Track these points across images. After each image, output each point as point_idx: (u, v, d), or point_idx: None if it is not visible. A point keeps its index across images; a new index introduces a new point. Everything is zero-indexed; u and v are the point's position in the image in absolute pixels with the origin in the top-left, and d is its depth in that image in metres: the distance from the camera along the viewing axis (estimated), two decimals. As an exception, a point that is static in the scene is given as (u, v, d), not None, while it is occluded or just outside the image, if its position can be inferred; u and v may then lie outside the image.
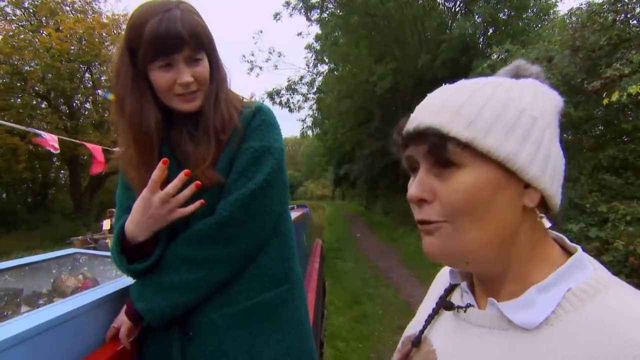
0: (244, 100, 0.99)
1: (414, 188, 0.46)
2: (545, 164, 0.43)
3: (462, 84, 0.46)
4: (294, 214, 3.77)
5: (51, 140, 4.68)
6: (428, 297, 0.64)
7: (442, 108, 0.44)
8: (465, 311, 0.50)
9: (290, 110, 16.52)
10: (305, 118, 18.30)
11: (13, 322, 0.71)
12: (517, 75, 0.50)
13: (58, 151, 4.84)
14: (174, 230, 0.90)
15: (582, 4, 5.05)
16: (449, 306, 0.52)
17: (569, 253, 0.47)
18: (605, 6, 4.52)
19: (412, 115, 0.47)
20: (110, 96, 0.87)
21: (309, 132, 19.73)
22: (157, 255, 0.86)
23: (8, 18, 16.45)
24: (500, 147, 0.42)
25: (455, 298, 0.55)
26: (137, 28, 0.83)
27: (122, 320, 0.86)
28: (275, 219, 0.95)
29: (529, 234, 0.45)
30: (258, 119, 0.93)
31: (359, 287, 5.87)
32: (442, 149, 0.43)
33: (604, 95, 3.63)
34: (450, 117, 0.43)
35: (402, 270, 6.80)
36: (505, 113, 0.42)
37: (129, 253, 0.86)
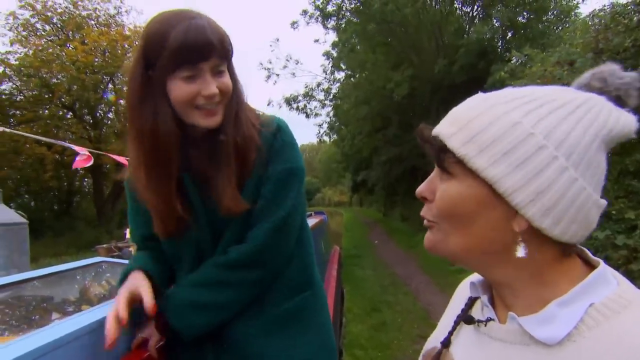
0: (260, 115, 0.95)
1: (421, 186, 0.50)
2: (539, 194, 0.41)
3: (492, 96, 0.46)
4: (311, 221, 3.78)
5: (87, 160, 4.79)
6: (449, 310, 0.64)
7: (456, 119, 0.46)
8: (485, 325, 0.50)
9: (307, 116, 16.61)
10: (323, 124, 18.36)
11: (46, 329, 0.74)
12: (587, 87, 0.47)
13: (91, 162, 4.91)
14: (200, 252, 0.92)
15: (605, 5, 4.94)
16: (470, 320, 0.52)
17: (591, 267, 0.46)
18: (630, 7, 4.40)
19: (442, 119, 0.50)
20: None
21: (326, 138, 19.77)
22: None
23: (38, 33, 17.17)
24: (489, 168, 0.42)
25: (476, 311, 0.55)
26: (158, 36, 0.78)
27: (151, 332, 0.88)
28: (297, 233, 0.98)
29: (535, 253, 0.44)
30: (280, 140, 0.91)
31: (378, 294, 5.82)
32: (441, 159, 0.46)
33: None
34: (455, 130, 0.45)
35: (421, 277, 6.71)
36: (508, 136, 0.42)
37: None
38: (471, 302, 0.57)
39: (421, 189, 0.50)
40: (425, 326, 4.33)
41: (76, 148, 4.87)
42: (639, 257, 3.07)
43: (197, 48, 0.78)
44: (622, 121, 0.43)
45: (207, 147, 0.86)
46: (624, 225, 3.34)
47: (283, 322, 0.94)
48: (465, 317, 0.54)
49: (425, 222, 0.50)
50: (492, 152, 0.42)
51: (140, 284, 0.82)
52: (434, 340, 0.60)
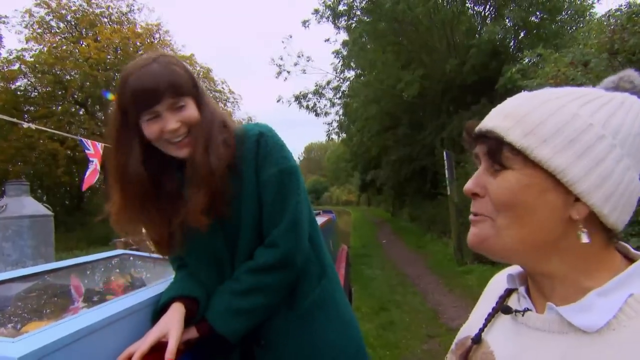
0: (239, 129, 1.01)
1: (469, 182, 0.50)
2: (601, 182, 0.43)
3: (541, 92, 0.48)
4: (320, 220, 3.80)
5: (93, 175, 4.93)
6: (482, 302, 0.65)
7: (509, 113, 0.47)
8: (523, 315, 0.51)
9: (317, 115, 16.60)
10: (332, 122, 18.32)
11: (74, 318, 0.77)
12: (617, 87, 0.49)
13: (97, 175, 5.08)
14: (218, 260, 1.00)
15: (622, 5, 4.87)
16: (507, 310, 0.54)
17: (631, 261, 0.48)
18: (646, 7, 4.34)
19: (486, 117, 0.51)
20: (110, 96, 0.93)
21: (335, 137, 19.75)
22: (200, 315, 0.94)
23: (53, 31, 17.42)
24: (553, 158, 0.44)
25: (512, 302, 0.56)
26: (122, 85, 0.89)
27: (188, 330, 0.93)
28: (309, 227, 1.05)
29: (582, 245, 0.45)
30: (264, 145, 0.97)
31: (386, 294, 5.81)
32: (498, 152, 0.47)
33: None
34: (512, 123, 0.46)
35: (429, 278, 6.69)
36: (569, 127, 0.44)
37: None
38: (507, 293, 0.58)
39: (471, 185, 0.50)
40: (433, 326, 4.33)
41: (90, 143, 4.97)
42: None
43: (146, 95, 0.87)
44: None
45: (190, 171, 0.94)
46: (638, 228, 3.30)
47: (311, 313, 1.03)
48: (502, 307, 0.55)
49: (472, 217, 0.51)
50: (555, 143, 0.44)
51: (171, 326, 0.86)
52: (466, 330, 0.62)
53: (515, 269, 0.57)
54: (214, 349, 0.97)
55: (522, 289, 0.54)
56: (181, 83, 0.90)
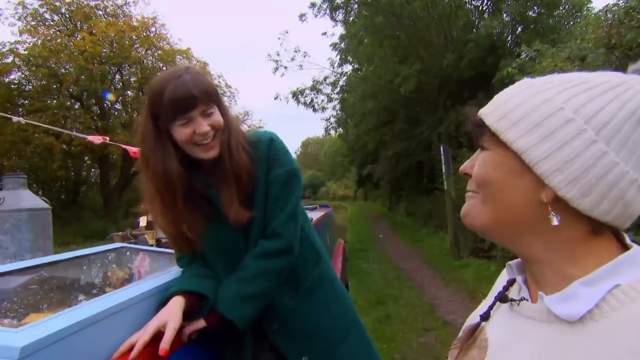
0: (253, 134, 1.14)
1: (465, 163, 0.54)
2: (564, 164, 0.43)
3: (527, 81, 0.50)
4: (317, 214, 3.81)
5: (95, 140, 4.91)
6: (492, 291, 0.66)
7: (496, 100, 0.50)
8: (518, 304, 0.52)
9: (314, 110, 16.56)
10: (330, 118, 18.29)
11: (76, 309, 0.78)
12: (638, 71, 0.47)
13: (100, 141, 5.03)
14: (234, 253, 1.10)
15: (618, 0, 4.87)
16: (504, 298, 0.55)
17: (626, 249, 0.47)
18: (643, 2, 4.34)
19: None
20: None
21: (332, 132, 19.74)
22: (205, 312, 1.01)
23: (47, 23, 17.24)
24: (519, 140, 0.45)
25: (514, 292, 0.57)
26: (158, 96, 1.00)
27: (196, 321, 0.99)
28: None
29: (563, 227, 0.45)
30: (274, 150, 1.11)
31: (382, 288, 5.85)
32: (480, 135, 0.51)
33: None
34: (493, 109, 0.50)
35: (425, 272, 6.73)
36: (538, 110, 0.45)
37: None
38: (509, 283, 0.59)
39: (464, 165, 0.54)
40: (429, 319, 4.36)
41: (90, 138, 4.95)
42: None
43: (184, 102, 0.98)
44: None
45: (214, 172, 1.06)
46: (633, 223, 3.34)
47: (313, 291, 1.17)
48: (500, 296, 0.56)
49: (466, 194, 0.54)
50: (522, 126, 0.45)
51: (169, 317, 0.91)
52: (473, 317, 0.63)
53: (515, 260, 0.57)
54: (225, 338, 1.04)
55: (519, 278, 0.55)
56: (212, 92, 1.02)
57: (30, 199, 5.26)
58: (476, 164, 0.52)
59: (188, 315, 0.95)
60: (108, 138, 4.95)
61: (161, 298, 0.98)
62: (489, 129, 0.49)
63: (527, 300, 0.51)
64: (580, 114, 0.43)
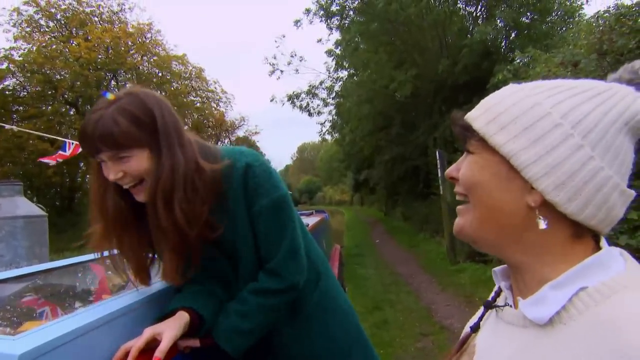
0: (221, 162, 0.97)
1: (450, 167, 0.54)
2: (552, 169, 0.43)
3: (514, 85, 0.50)
4: (313, 220, 3.81)
5: (59, 157, 4.96)
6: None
7: (483, 104, 0.50)
8: (502, 310, 0.53)
9: (310, 115, 16.61)
10: (325, 122, 18.34)
11: (73, 317, 0.77)
12: (620, 79, 0.49)
13: (54, 162, 5.11)
14: (224, 278, 1.04)
15: (610, 7, 4.94)
16: (489, 305, 0.56)
17: None
18: (635, 8, 4.41)
19: None
20: (110, 95, 0.88)
21: (327, 137, 19.78)
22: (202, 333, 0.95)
23: (42, 30, 17.21)
24: (507, 144, 0.46)
25: (502, 299, 0.58)
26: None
27: (191, 339, 0.95)
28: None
29: (543, 231, 0.45)
30: (252, 177, 0.96)
31: (380, 293, 5.85)
32: (467, 139, 0.51)
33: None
34: (480, 112, 0.49)
35: (422, 277, 6.73)
36: (527, 115, 0.45)
37: None
38: (499, 290, 0.59)
39: (450, 169, 0.54)
40: (427, 324, 4.36)
41: (74, 145, 4.96)
42: (641, 258, 3.08)
43: (85, 144, 0.88)
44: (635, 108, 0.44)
45: (151, 224, 0.93)
46: (627, 226, 3.36)
47: (313, 315, 1.10)
48: (486, 303, 0.57)
49: (457, 197, 0.54)
50: (510, 130, 0.46)
51: (167, 328, 0.87)
52: (468, 325, 0.64)
53: (500, 266, 0.58)
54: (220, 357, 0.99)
55: (502, 285, 0.55)
56: (118, 136, 0.85)
57: (26, 206, 5.24)
58: (463, 167, 0.52)
59: (187, 332, 0.92)
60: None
61: (161, 308, 0.96)
62: (477, 132, 0.49)
63: (510, 306, 0.52)
64: (567, 119, 0.44)
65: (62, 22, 17.71)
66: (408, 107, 13.01)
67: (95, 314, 0.79)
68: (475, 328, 0.58)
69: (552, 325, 0.44)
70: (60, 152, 5.04)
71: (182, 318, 0.90)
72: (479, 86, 9.51)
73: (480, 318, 0.59)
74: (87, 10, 17.84)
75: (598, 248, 0.48)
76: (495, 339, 0.52)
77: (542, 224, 0.45)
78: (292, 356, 1.07)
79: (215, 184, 0.94)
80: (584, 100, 0.45)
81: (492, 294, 0.60)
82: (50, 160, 5.02)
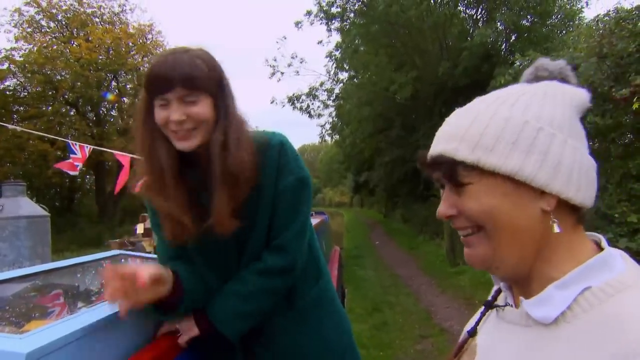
0: (262, 136, 1.01)
1: (441, 207, 0.52)
2: (555, 170, 0.45)
3: (471, 106, 0.51)
4: (312, 221, 3.78)
5: (75, 161, 4.92)
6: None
7: (451, 135, 0.49)
8: (503, 310, 0.53)
9: (310, 116, 16.61)
10: (325, 124, 18.35)
11: (77, 316, 0.78)
12: (536, 78, 0.53)
13: (77, 172, 5.08)
14: (226, 260, 1.02)
15: (610, 10, 4.96)
16: (490, 304, 0.57)
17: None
18: (634, 12, 4.42)
19: (432, 144, 0.53)
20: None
21: (327, 138, 19.80)
22: (181, 311, 0.93)
23: (43, 30, 17.23)
24: (504, 163, 0.46)
25: (501, 299, 0.59)
26: (148, 69, 0.92)
27: (190, 329, 0.95)
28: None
29: (552, 235, 0.47)
30: (284, 155, 1.00)
31: (379, 294, 5.85)
32: (454, 173, 0.49)
33: (634, 100, 3.56)
34: (457, 143, 0.48)
35: (422, 279, 6.74)
36: (507, 130, 0.46)
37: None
38: (499, 290, 0.60)
39: (443, 209, 0.52)
40: (426, 326, 4.36)
41: (78, 146, 4.96)
42: (640, 261, 3.09)
43: (159, 80, 0.89)
44: (579, 92, 0.51)
45: (202, 170, 0.95)
46: (627, 229, 3.37)
47: (310, 311, 1.09)
48: (487, 303, 0.58)
49: (464, 238, 0.51)
50: (499, 149, 0.46)
51: (151, 267, 0.84)
52: (470, 323, 0.64)
53: None
54: (215, 347, 0.99)
55: (502, 285, 0.56)
56: (196, 77, 0.89)
57: (29, 207, 5.26)
58: (465, 200, 0.49)
59: (164, 304, 0.88)
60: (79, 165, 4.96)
61: None
62: (463, 164, 0.48)
63: (510, 305, 0.53)
64: (543, 121, 0.46)
65: (63, 22, 17.72)
66: (408, 109, 13.03)
67: (100, 313, 0.80)
68: (473, 332, 0.59)
69: (557, 324, 0.44)
70: (72, 155, 5.01)
71: (165, 269, 0.88)
72: (479, 89, 9.46)
73: (479, 319, 0.60)
74: (88, 11, 17.86)
75: (599, 249, 0.49)
76: (497, 338, 0.52)
77: (557, 228, 0.46)
78: (282, 348, 1.05)
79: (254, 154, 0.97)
80: (542, 101, 0.48)
81: (492, 293, 0.61)
82: (70, 170, 4.96)
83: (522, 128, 0.46)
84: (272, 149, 0.99)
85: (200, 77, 0.90)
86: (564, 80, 0.52)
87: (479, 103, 0.50)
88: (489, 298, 0.60)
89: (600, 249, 0.50)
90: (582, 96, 0.50)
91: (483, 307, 0.60)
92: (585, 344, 0.41)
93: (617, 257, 0.47)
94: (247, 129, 0.99)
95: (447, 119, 0.52)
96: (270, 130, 1.06)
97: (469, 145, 0.47)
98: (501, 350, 0.50)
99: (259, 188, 0.97)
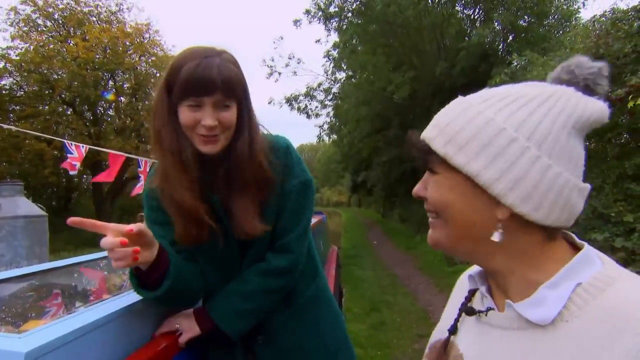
0: (269, 138, 1.03)
1: (417, 186, 0.55)
2: (516, 183, 0.44)
3: (467, 99, 0.51)
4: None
5: (73, 160, 4.90)
6: (450, 304, 0.67)
7: (437, 123, 0.51)
8: (486, 315, 0.52)
9: (308, 117, 16.61)
10: (323, 124, 18.36)
11: (77, 315, 0.78)
12: (558, 79, 0.50)
13: (76, 171, 5.06)
14: (227, 263, 1.03)
15: (606, 11, 4.98)
16: (471, 311, 0.55)
17: (577, 250, 0.49)
18: (630, 13, 4.45)
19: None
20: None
21: (325, 138, 19.80)
22: (165, 288, 0.87)
23: (39, 29, 17.14)
24: (469, 164, 0.46)
25: (476, 303, 0.58)
26: (176, 68, 0.89)
27: (191, 328, 0.96)
28: None
29: (521, 238, 0.48)
30: (290, 158, 1.02)
31: (377, 294, 5.86)
32: (427, 159, 0.51)
33: (629, 100, 3.58)
34: (437, 133, 0.50)
35: (419, 278, 6.75)
36: (483, 133, 0.46)
37: (141, 278, 0.88)
38: (471, 294, 0.60)
39: (416, 189, 0.55)
40: (424, 326, 4.37)
41: (74, 145, 4.94)
42: (637, 259, 3.12)
43: (201, 83, 0.87)
44: (591, 107, 0.46)
45: (224, 174, 0.96)
46: (623, 228, 3.39)
47: (308, 308, 1.11)
48: (466, 309, 0.56)
49: (429, 215, 0.54)
50: (469, 149, 0.46)
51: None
52: (438, 333, 0.63)
53: (475, 269, 0.58)
54: (215, 344, 1.00)
55: (482, 289, 0.55)
56: (236, 85, 0.91)
57: (26, 206, 5.25)
58: (429, 187, 0.52)
59: (146, 274, 0.85)
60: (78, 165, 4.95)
61: (165, 308, 0.97)
62: (436, 153, 0.49)
63: (493, 309, 0.52)
64: (521, 132, 0.45)
65: (60, 21, 17.63)
66: (406, 109, 13.05)
67: (99, 312, 0.80)
68: (453, 332, 0.58)
69: (554, 324, 0.44)
70: (69, 155, 4.99)
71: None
72: (476, 89, 9.46)
73: (457, 321, 0.59)
74: (85, 10, 17.76)
75: (570, 244, 0.51)
76: (486, 345, 0.51)
77: (497, 237, 0.47)
78: (281, 344, 1.07)
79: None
80: (533, 109, 0.46)
81: (463, 299, 0.60)
82: (70, 170, 4.94)
83: (497, 133, 0.45)
84: (279, 152, 1.01)
85: (237, 83, 0.91)
86: (587, 87, 0.48)
87: (473, 99, 0.50)
88: (462, 300, 0.60)
89: (572, 245, 0.51)
90: (590, 114, 0.46)
91: (457, 311, 0.59)
92: (591, 341, 0.41)
93: (594, 253, 0.48)
94: (261, 134, 1.01)
95: (443, 108, 0.53)
96: (279, 135, 1.08)
97: (444, 138, 0.48)
98: (495, 356, 0.49)
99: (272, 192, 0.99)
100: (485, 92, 0.50)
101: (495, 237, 0.47)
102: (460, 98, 0.52)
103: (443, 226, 0.51)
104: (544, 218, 0.45)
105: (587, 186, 0.47)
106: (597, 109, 0.46)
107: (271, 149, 1.00)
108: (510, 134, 0.45)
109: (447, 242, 0.52)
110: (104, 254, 1.45)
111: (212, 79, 0.87)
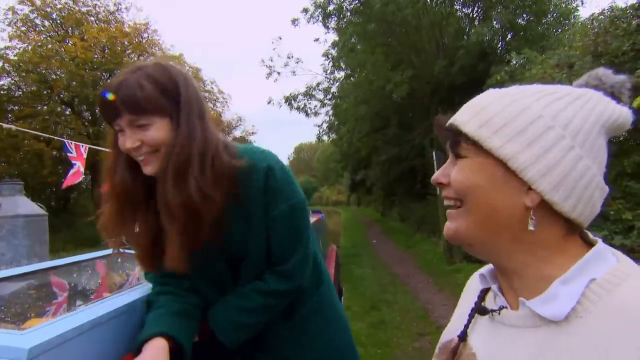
0: (243, 158, 0.92)
1: (436, 173, 0.54)
2: (548, 170, 0.45)
3: (498, 90, 0.51)
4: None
5: (77, 176, 4.88)
6: (461, 304, 0.66)
7: (470, 109, 0.51)
8: (499, 313, 0.52)
9: (307, 115, 16.61)
10: (322, 124, 18.36)
11: (77, 313, 0.78)
12: (586, 85, 0.51)
13: (82, 177, 5.04)
14: (220, 283, 1.00)
15: (604, 9, 4.99)
16: (483, 311, 0.55)
17: (591, 246, 0.49)
18: (629, 11, 4.46)
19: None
20: (110, 96, 0.84)
21: (325, 137, 19.79)
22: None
23: (37, 29, 17.11)
24: (503, 147, 0.46)
25: (489, 302, 0.58)
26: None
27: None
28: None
29: (543, 230, 0.47)
30: (273, 180, 0.93)
31: (377, 293, 5.86)
32: (457, 143, 0.51)
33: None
34: (470, 117, 0.49)
35: (419, 277, 6.76)
36: (519, 118, 0.46)
37: None
38: (483, 294, 0.59)
39: (436, 175, 0.54)
40: (424, 324, 4.38)
41: (74, 145, 4.94)
42: (635, 258, 3.12)
43: (103, 108, 0.84)
44: (619, 111, 0.48)
45: (159, 202, 0.88)
46: (622, 226, 3.40)
47: (310, 319, 1.07)
48: (478, 309, 0.56)
49: (446, 202, 0.53)
50: (505, 133, 0.46)
51: None
52: (449, 333, 0.62)
53: (486, 268, 0.58)
54: (215, 354, 0.98)
55: (494, 287, 0.55)
56: (141, 100, 0.82)
57: (26, 206, 5.27)
58: (455, 171, 0.51)
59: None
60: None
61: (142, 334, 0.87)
62: (466, 137, 0.49)
63: (506, 308, 0.52)
64: (557, 122, 0.46)
65: (58, 21, 17.59)
66: (405, 108, 13.06)
67: (100, 310, 0.80)
68: (463, 338, 0.57)
69: (568, 321, 0.44)
70: (68, 154, 4.98)
71: (163, 349, 0.81)
72: (475, 87, 9.51)
73: (468, 324, 0.58)
74: (83, 9, 17.74)
75: (584, 241, 0.50)
76: (500, 344, 0.51)
77: (531, 225, 0.47)
78: (281, 357, 1.04)
79: (230, 180, 0.89)
80: (568, 103, 0.47)
81: (475, 299, 0.59)
82: (77, 180, 4.94)
83: (533, 120, 0.46)
84: (257, 176, 0.92)
85: (147, 99, 0.82)
86: (613, 95, 0.50)
87: (507, 90, 0.50)
88: (475, 300, 0.59)
89: (585, 241, 0.51)
90: (618, 116, 0.48)
91: (469, 312, 0.58)
92: (605, 337, 0.41)
93: (608, 249, 0.49)
94: (220, 151, 0.89)
95: (482, 94, 0.52)
96: (261, 148, 1.00)
97: (478, 122, 0.48)
98: (509, 355, 0.49)
99: (246, 217, 0.93)
100: (518, 87, 0.51)
101: (531, 225, 0.46)
102: (495, 89, 0.52)
103: (463, 215, 0.50)
104: (571, 209, 0.46)
105: (607, 188, 0.48)
106: (624, 113, 0.48)
107: (245, 171, 0.91)
108: (547, 121, 0.45)
109: (467, 231, 0.50)
110: (104, 252, 1.46)
111: (110, 102, 0.82)
